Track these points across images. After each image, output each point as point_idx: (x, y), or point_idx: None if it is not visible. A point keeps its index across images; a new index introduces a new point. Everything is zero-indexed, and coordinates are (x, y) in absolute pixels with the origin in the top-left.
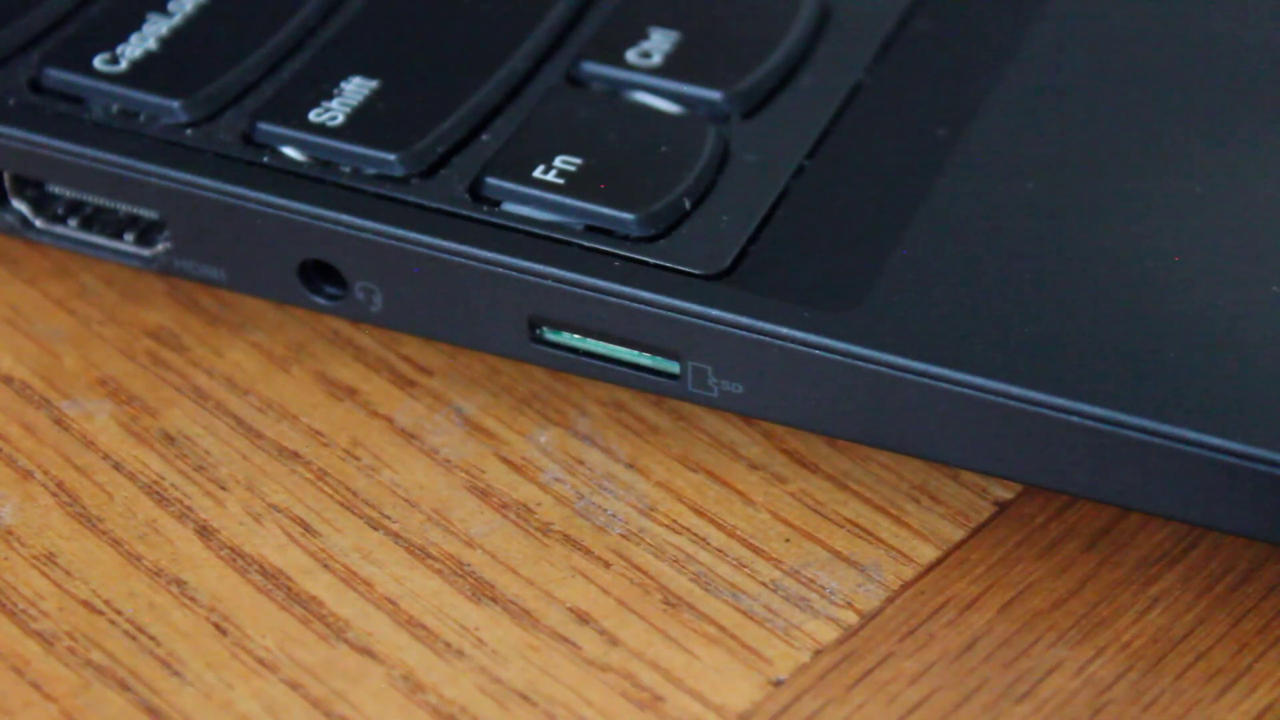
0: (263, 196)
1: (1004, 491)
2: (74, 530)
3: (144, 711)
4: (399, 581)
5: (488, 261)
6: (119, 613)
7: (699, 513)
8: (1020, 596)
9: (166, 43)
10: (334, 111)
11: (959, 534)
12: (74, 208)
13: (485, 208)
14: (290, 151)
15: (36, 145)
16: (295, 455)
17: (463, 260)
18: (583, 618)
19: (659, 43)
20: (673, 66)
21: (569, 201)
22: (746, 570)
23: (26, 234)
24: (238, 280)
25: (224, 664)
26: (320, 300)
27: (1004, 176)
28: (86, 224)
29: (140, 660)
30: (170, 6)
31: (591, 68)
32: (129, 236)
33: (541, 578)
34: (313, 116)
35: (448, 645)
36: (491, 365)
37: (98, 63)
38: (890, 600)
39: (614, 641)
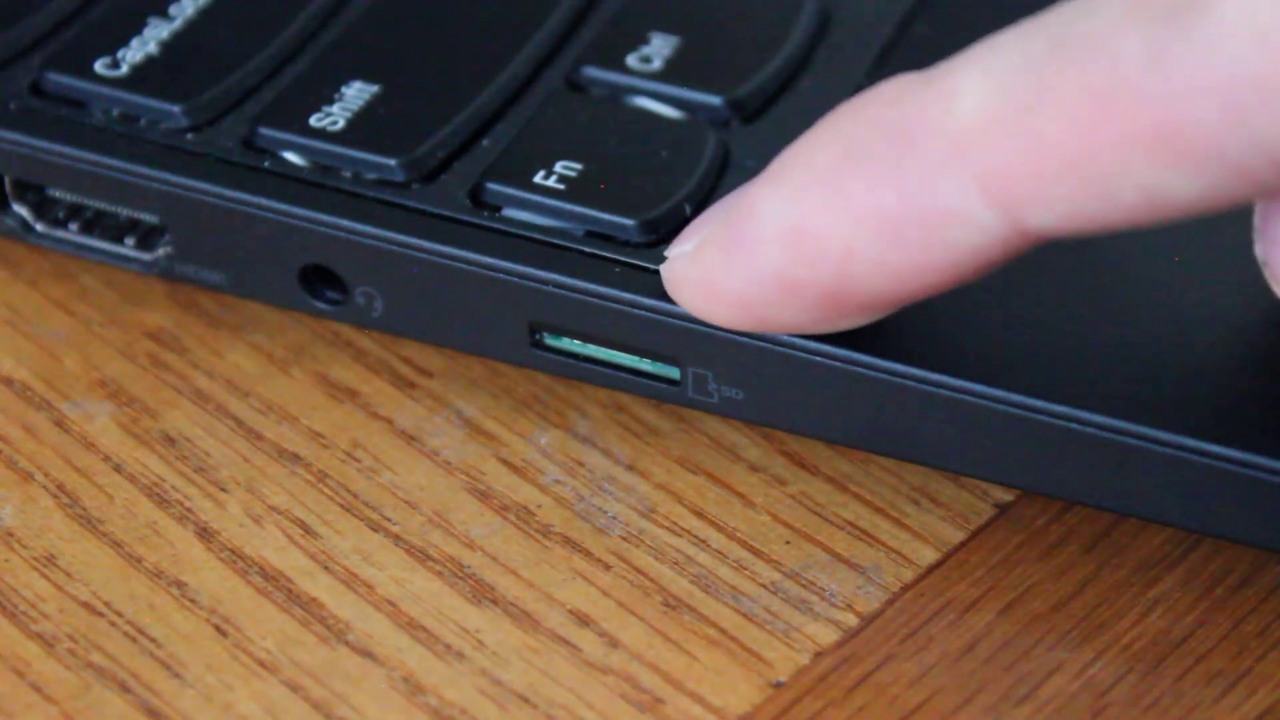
0: (263, 201)
1: (1004, 494)
2: (74, 532)
3: (144, 713)
4: (399, 583)
5: (488, 267)
6: (119, 614)
7: (699, 515)
8: (1020, 599)
9: (167, 47)
10: (335, 116)
11: (959, 536)
12: (75, 212)
13: (486, 213)
14: (291, 156)
15: (37, 150)
16: (296, 457)
17: (463, 266)
18: (583, 620)
19: (659, 48)
20: (673, 71)
21: (569, 207)
22: (746, 572)
23: (27, 238)
24: (238, 285)
25: (224, 666)
26: (321, 305)
27: None
28: (87, 228)
29: (141, 662)
30: (171, 10)
31: (592, 73)
32: (130, 241)
33: (542, 580)
34: (314, 121)
35: (448, 647)
36: (492, 367)
37: (98, 67)
38: (890, 602)
39: (614, 644)
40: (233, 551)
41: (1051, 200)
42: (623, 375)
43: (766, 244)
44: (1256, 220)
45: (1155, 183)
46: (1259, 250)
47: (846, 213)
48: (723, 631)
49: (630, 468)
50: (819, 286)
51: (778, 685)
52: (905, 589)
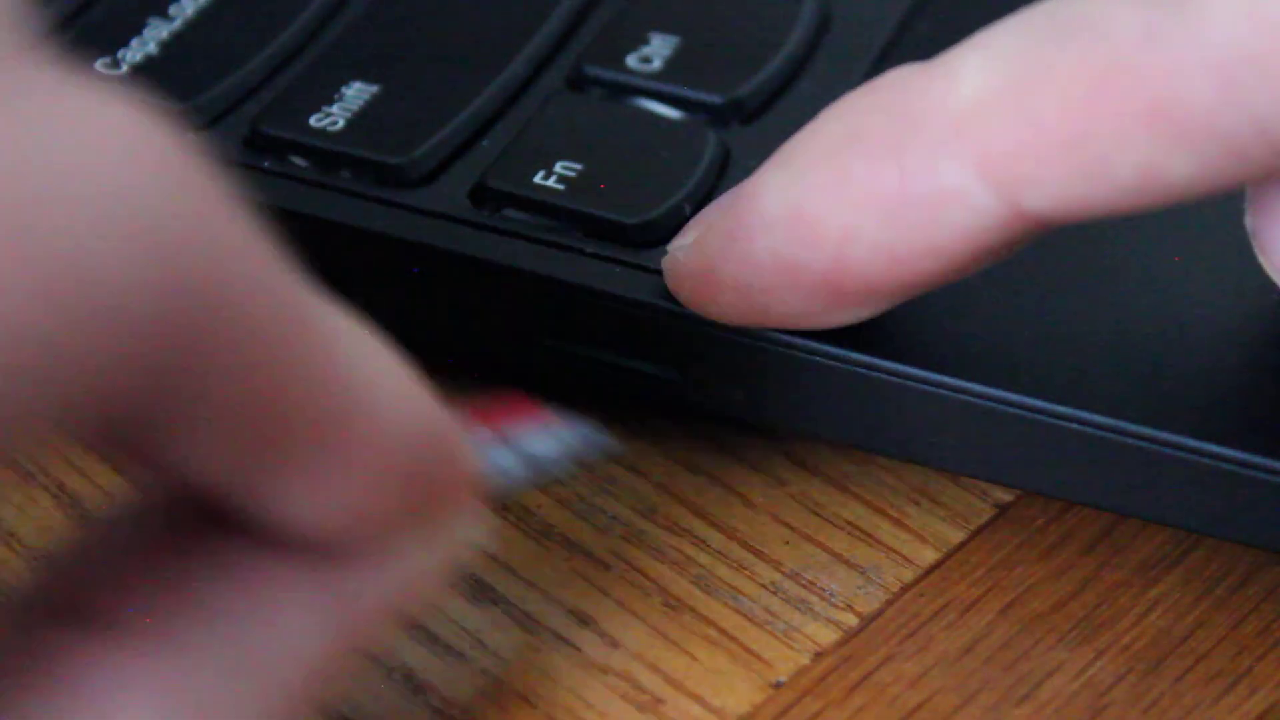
0: (263, 202)
1: (1004, 494)
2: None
3: None
4: None
5: (488, 267)
6: None
7: (699, 515)
8: (1020, 599)
9: (167, 47)
10: (335, 116)
11: (959, 536)
12: None
13: (486, 213)
14: (291, 157)
15: None
16: None
17: (463, 266)
18: (583, 620)
19: (659, 48)
20: (673, 72)
21: (569, 207)
22: (746, 572)
23: None
24: None
25: None
26: None
27: None
28: None
29: None
30: (171, 10)
31: (592, 73)
32: None
33: (542, 580)
34: (313, 121)
35: (448, 647)
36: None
37: (99, 66)
38: (890, 602)
39: (614, 644)
40: None
41: (1048, 180)
42: (623, 375)
43: (767, 227)
44: (1249, 190)
45: (1151, 162)
46: (1249, 221)
47: (846, 194)
48: (723, 631)
49: (630, 468)
50: (818, 271)
51: (778, 685)
52: (905, 589)
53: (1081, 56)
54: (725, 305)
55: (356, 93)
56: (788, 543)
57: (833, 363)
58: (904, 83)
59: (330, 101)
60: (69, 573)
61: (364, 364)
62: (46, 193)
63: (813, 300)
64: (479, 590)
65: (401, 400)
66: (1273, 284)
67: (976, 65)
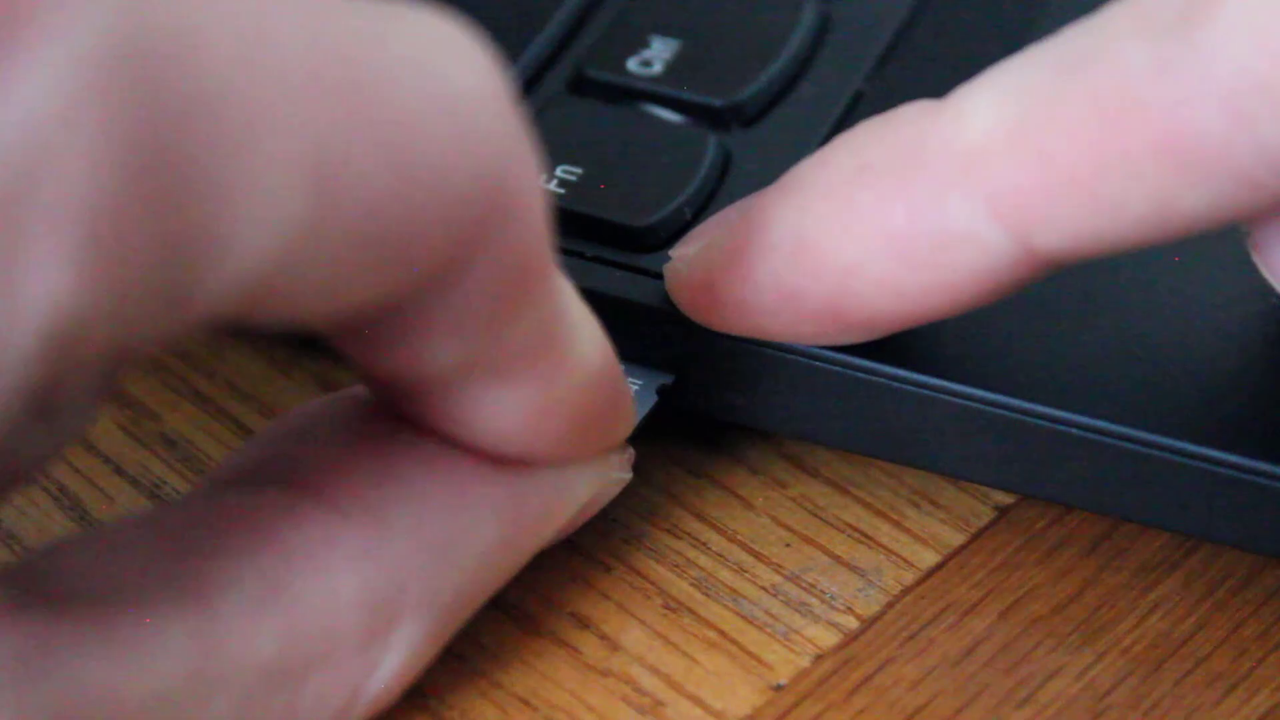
0: None
1: (1004, 497)
2: (75, 534)
3: None
4: None
5: None
6: None
7: (699, 517)
8: (1020, 601)
9: None
10: None
11: (959, 539)
12: None
13: None
14: None
15: None
16: None
17: None
18: (583, 622)
19: (660, 51)
20: (674, 75)
21: (570, 210)
22: (747, 575)
23: None
24: None
25: None
26: None
27: None
28: None
29: None
30: None
31: (593, 76)
32: None
33: (542, 582)
34: None
35: (448, 650)
36: None
37: None
38: (890, 605)
39: (615, 646)
40: None
41: (1060, 218)
42: None
43: (770, 252)
44: None
45: (1163, 195)
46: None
47: (852, 227)
48: (723, 634)
49: (630, 470)
50: (819, 299)
51: (778, 688)
52: (905, 592)
53: (1091, 92)
54: (724, 318)
55: None
56: (788, 545)
57: (833, 368)
58: (914, 119)
59: None
60: (293, 444)
61: (572, 302)
62: (414, 99)
63: (812, 325)
64: None
65: (594, 342)
66: (1272, 289)
67: (986, 103)
